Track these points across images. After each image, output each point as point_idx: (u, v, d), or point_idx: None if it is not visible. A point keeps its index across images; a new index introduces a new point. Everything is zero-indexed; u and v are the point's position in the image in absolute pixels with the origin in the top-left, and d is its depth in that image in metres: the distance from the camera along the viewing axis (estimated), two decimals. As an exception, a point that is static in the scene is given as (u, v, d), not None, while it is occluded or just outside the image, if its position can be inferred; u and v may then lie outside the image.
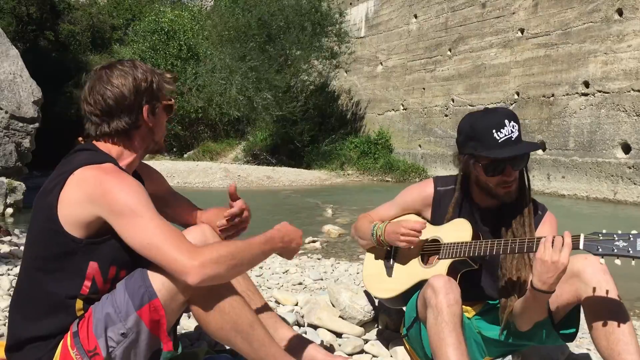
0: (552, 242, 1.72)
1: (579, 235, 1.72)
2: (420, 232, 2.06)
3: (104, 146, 1.68)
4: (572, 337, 1.97)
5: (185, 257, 1.48)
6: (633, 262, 1.65)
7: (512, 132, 1.93)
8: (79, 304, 1.59)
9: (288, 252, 1.82)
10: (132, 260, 1.62)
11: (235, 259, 1.56)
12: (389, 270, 2.22)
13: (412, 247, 2.09)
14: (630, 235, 1.66)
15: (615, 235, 1.68)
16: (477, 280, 2.11)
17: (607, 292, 1.79)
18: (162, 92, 1.73)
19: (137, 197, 1.53)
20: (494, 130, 1.92)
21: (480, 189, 2.06)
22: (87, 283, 1.58)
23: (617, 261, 1.68)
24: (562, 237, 1.73)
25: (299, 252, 1.83)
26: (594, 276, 1.81)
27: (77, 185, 1.54)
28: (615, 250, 1.66)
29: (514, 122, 1.95)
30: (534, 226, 2.01)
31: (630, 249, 1.64)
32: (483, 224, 2.09)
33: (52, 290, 1.57)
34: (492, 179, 1.98)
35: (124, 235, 1.52)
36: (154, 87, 1.70)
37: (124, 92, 1.65)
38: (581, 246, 1.71)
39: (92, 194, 1.52)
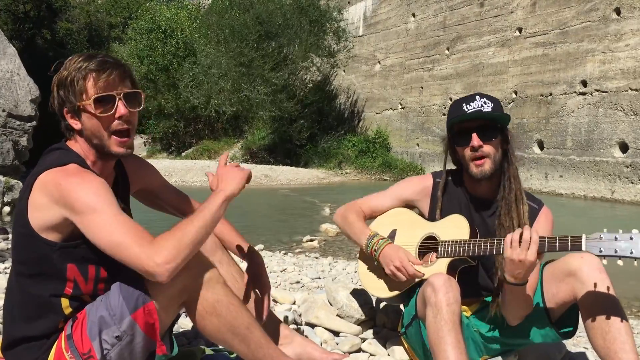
0: (519, 241, 1.74)
1: (581, 236, 1.72)
2: (413, 278, 2.02)
3: (73, 145, 1.65)
4: (570, 335, 1.97)
5: (147, 257, 1.43)
6: (635, 263, 1.65)
7: (482, 105, 2.00)
8: (65, 302, 1.58)
9: (239, 185, 1.67)
10: (109, 259, 1.57)
11: (194, 241, 1.50)
12: None
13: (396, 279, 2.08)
14: (632, 236, 1.65)
15: (616, 236, 1.67)
16: (474, 276, 2.11)
17: (603, 290, 1.79)
18: (82, 90, 1.56)
19: (97, 195, 1.48)
20: (464, 104, 2.02)
21: (466, 174, 2.09)
22: (70, 284, 1.57)
23: (620, 262, 1.68)
24: (530, 235, 1.74)
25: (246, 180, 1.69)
26: (591, 275, 1.81)
27: (41, 190, 1.51)
28: (618, 252, 1.66)
29: (488, 100, 2.02)
30: (522, 217, 2.01)
31: (632, 250, 1.64)
32: (475, 214, 2.11)
33: (37, 292, 1.56)
34: (464, 151, 2.03)
35: (87, 234, 1.49)
36: (69, 87, 1.56)
37: (52, 95, 1.60)
38: (583, 247, 1.71)
39: (54, 195, 1.49)
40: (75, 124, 1.60)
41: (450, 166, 2.17)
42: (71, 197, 1.47)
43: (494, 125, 2.01)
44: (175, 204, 2.01)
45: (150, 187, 1.95)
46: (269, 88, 17.25)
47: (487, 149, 2.00)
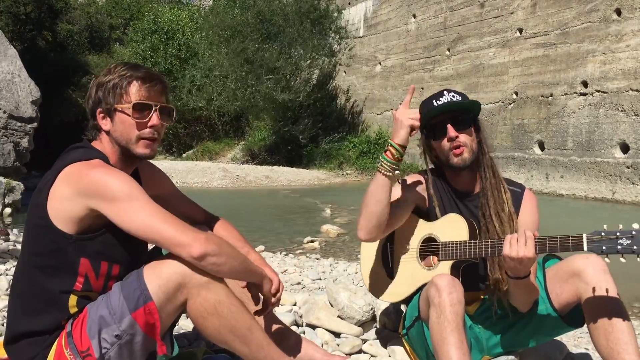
0: (517, 240, 1.77)
1: (582, 236, 1.72)
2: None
3: (97, 145, 1.70)
4: (576, 324, 1.96)
5: (189, 232, 1.53)
6: (639, 259, 1.66)
7: (451, 99, 2.04)
8: (73, 300, 1.60)
9: (266, 286, 1.78)
10: (123, 257, 1.63)
11: (234, 255, 1.61)
12: (389, 271, 2.20)
13: (417, 123, 1.95)
14: (633, 232, 1.66)
15: (617, 233, 1.68)
16: (474, 269, 2.10)
17: (607, 291, 1.80)
18: (124, 94, 1.65)
19: (129, 184, 1.55)
20: (434, 100, 2.07)
21: (448, 169, 2.11)
22: (80, 279, 1.59)
23: (622, 259, 1.68)
24: (525, 232, 1.78)
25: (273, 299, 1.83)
26: (595, 276, 1.82)
27: (66, 181, 1.55)
28: (620, 249, 1.67)
29: (456, 93, 2.06)
30: (506, 204, 2.02)
31: (635, 247, 1.65)
32: (463, 208, 2.11)
33: (47, 286, 1.58)
34: (441, 145, 2.05)
35: (120, 220, 1.53)
36: (110, 89, 1.65)
37: (88, 96, 1.69)
38: (585, 247, 1.71)
39: (81, 186, 1.53)
40: (105, 125, 1.68)
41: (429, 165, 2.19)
42: (101, 186, 1.52)
43: (466, 115, 2.05)
44: (185, 211, 2.01)
45: (162, 194, 1.95)
46: (278, 75, 17.25)
47: (463, 138, 2.03)
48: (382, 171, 1.96)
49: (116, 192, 1.52)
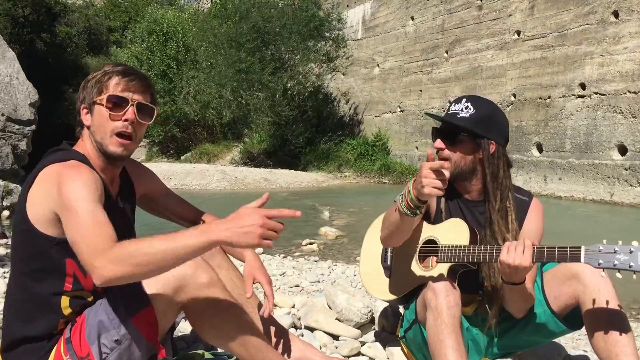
0: (515, 247, 1.76)
1: (580, 248, 1.71)
2: (441, 171, 1.73)
3: (80, 146, 1.69)
4: (574, 326, 1.96)
5: (92, 257, 1.39)
6: (634, 276, 1.65)
7: (462, 109, 1.99)
8: (65, 301, 1.59)
9: (241, 238, 1.37)
10: None
11: (147, 257, 1.36)
12: (387, 271, 2.20)
13: (439, 193, 1.73)
14: (632, 249, 1.65)
15: (616, 248, 1.67)
16: (472, 272, 2.10)
17: (605, 294, 1.80)
18: (103, 88, 1.64)
19: (82, 193, 1.48)
20: (453, 103, 2.04)
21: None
22: (69, 279, 1.58)
23: (618, 274, 1.68)
24: (523, 240, 1.77)
25: (267, 240, 1.39)
26: (593, 278, 1.82)
27: (40, 184, 1.55)
28: (617, 264, 1.66)
29: (473, 106, 1.97)
30: (513, 217, 1.99)
31: (631, 263, 1.64)
32: (467, 212, 2.10)
33: (36, 291, 1.57)
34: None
35: (65, 229, 1.50)
36: (93, 85, 1.66)
37: (77, 95, 1.70)
38: (582, 259, 1.70)
39: (52, 190, 1.52)
40: (87, 120, 1.67)
41: None
42: (62, 191, 1.49)
43: (458, 131, 1.98)
44: (176, 210, 2.01)
45: (152, 193, 1.96)
46: (267, 93, 17.29)
47: (448, 153, 1.99)
48: (408, 214, 1.85)
49: (66, 201, 1.47)
